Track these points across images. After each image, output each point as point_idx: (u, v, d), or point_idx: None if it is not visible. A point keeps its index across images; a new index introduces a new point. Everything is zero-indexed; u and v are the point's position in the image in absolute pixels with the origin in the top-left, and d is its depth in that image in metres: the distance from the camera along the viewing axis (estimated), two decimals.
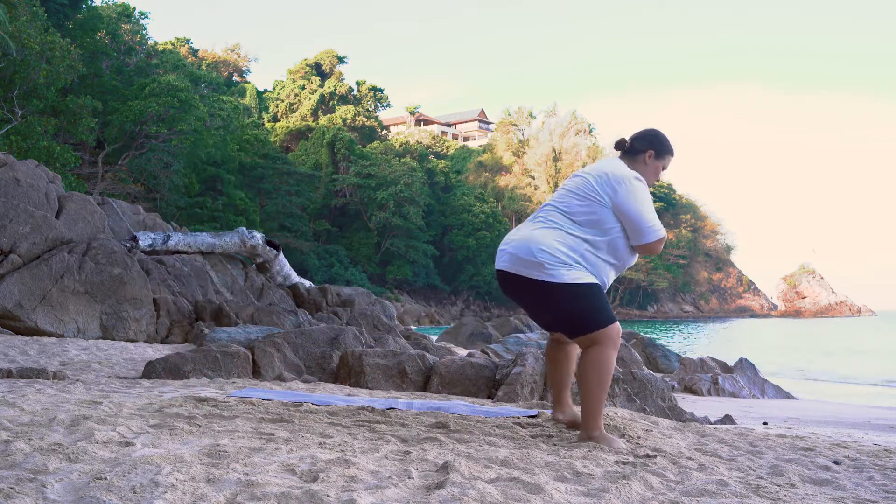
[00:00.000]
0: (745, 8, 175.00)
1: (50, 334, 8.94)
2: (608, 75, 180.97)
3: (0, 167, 10.74)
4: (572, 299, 2.98)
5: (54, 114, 24.08)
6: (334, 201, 54.73)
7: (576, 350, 3.37)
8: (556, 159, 67.89)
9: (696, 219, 74.56)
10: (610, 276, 3.15)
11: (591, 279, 3.02)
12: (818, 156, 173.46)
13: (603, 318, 2.99)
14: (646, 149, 3.22)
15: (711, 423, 5.60)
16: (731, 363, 11.53)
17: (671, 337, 31.54)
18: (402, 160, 57.44)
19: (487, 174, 68.92)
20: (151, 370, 5.39)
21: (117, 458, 2.19)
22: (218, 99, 38.93)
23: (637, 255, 3.16)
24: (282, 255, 15.72)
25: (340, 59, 66.85)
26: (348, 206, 55.26)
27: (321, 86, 63.51)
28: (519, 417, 3.60)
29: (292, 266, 16.72)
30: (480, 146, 74.44)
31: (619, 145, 3.28)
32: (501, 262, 3.12)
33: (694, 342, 28.56)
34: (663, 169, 3.27)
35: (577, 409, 3.50)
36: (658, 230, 3.06)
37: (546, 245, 3.00)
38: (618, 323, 3.05)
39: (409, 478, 2.14)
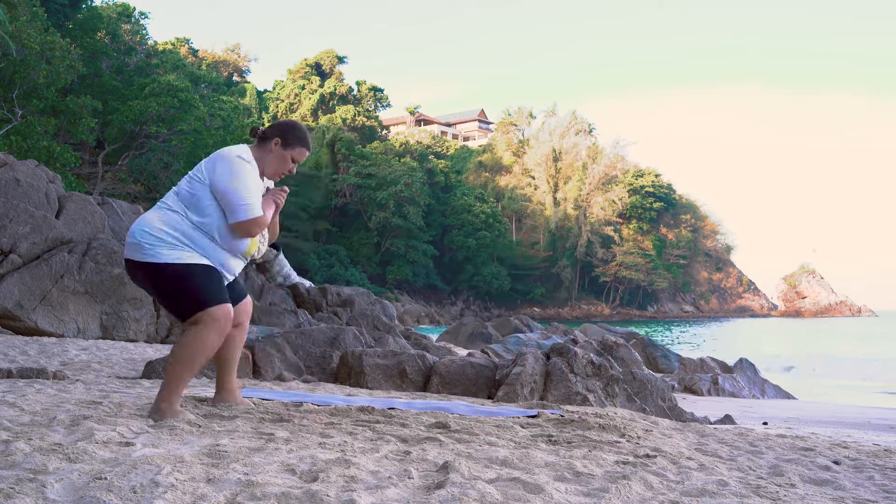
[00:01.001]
0: (745, 8, 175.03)
1: (50, 334, 8.93)
2: (608, 75, 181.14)
3: (0, 167, 10.74)
4: (172, 280, 2.95)
5: (54, 114, 24.08)
6: (334, 201, 54.77)
7: (240, 335, 3.33)
8: (556, 159, 67.91)
9: (696, 219, 74.51)
10: (228, 261, 3.08)
11: (197, 259, 2.98)
12: (818, 156, 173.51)
13: (204, 299, 2.95)
14: (274, 136, 3.21)
15: (711, 423, 5.60)
16: (731, 363, 11.53)
17: (674, 336, 31.54)
18: (402, 160, 57.48)
19: (487, 174, 68.94)
20: (151, 370, 5.39)
21: (117, 458, 2.19)
22: (218, 99, 38.89)
23: (246, 239, 3.09)
24: (282, 255, 15.72)
25: (340, 59, 66.89)
26: (348, 206, 55.29)
27: (321, 86, 63.56)
28: (519, 417, 3.60)
29: (292, 266, 16.73)
30: (480, 146, 74.45)
31: (253, 132, 3.29)
32: (124, 250, 3.12)
33: (693, 342, 28.55)
34: (294, 161, 3.24)
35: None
36: (249, 208, 2.99)
37: (147, 225, 3.00)
38: (227, 306, 3.00)
39: (409, 478, 2.14)
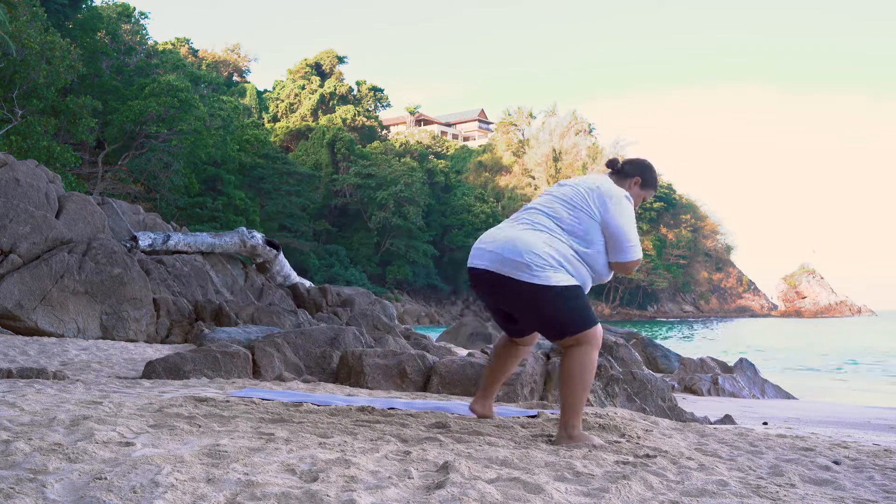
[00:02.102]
0: (745, 8, 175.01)
1: (50, 334, 8.93)
2: (608, 75, 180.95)
3: (0, 167, 10.74)
4: (559, 301, 3.02)
5: (54, 114, 24.08)
6: (334, 201, 54.73)
7: (525, 353, 3.47)
8: (556, 159, 67.90)
9: (696, 219, 74.54)
10: (588, 287, 3.20)
11: (575, 281, 3.08)
12: (818, 156, 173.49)
13: (588, 320, 3.05)
14: (635, 174, 3.30)
15: (711, 423, 5.60)
16: (731, 363, 11.53)
17: (676, 334, 31.55)
18: (402, 160, 57.44)
19: (487, 174, 68.92)
20: (151, 370, 5.38)
21: (117, 458, 2.19)
22: (218, 99, 38.93)
23: (612, 273, 3.21)
24: (282, 255, 15.71)
25: (340, 59, 66.84)
26: (348, 206, 55.25)
27: (321, 86, 63.51)
28: (519, 417, 3.61)
29: (292, 266, 16.72)
30: (480, 146, 74.43)
31: (612, 164, 3.35)
32: (482, 261, 3.11)
33: (694, 340, 28.55)
34: (643, 201, 3.34)
35: (495, 408, 3.62)
36: (637, 251, 3.14)
37: (534, 246, 3.02)
38: (600, 326, 3.12)
39: (409, 478, 2.14)
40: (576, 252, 3.08)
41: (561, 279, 3.02)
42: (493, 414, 3.53)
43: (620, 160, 3.37)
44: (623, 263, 3.13)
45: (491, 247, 3.10)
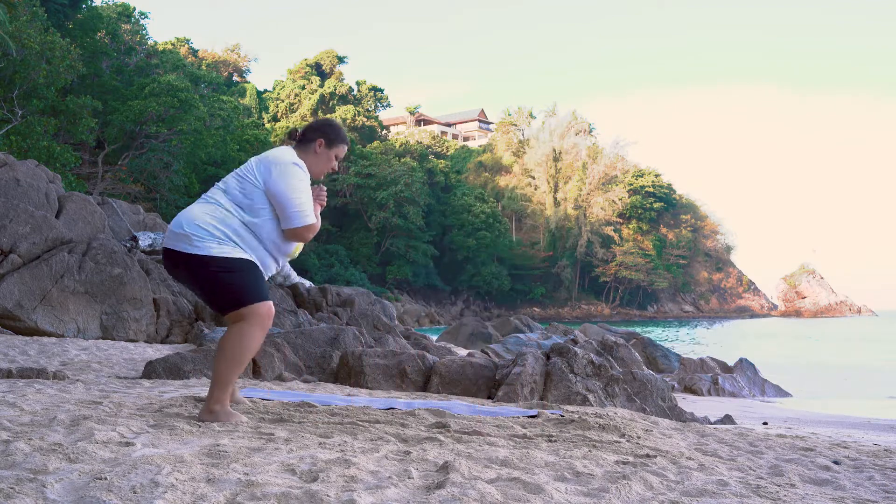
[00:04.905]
0: (746, 8, 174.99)
1: (50, 334, 8.93)
2: (608, 75, 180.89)
3: (0, 167, 10.74)
4: (219, 273, 2.98)
5: (54, 114, 24.08)
6: (334, 201, 54.72)
7: None
8: (556, 159, 67.90)
9: (696, 219, 74.52)
10: (269, 261, 3.12)
11: (243, 255, 3.02)
12: (819, 155, 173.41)
13: (251, 295, 2.99)
14: (316, 138, 3.26)
15: (711, 423, 5.60)
16: (731, 363, 11.53)
17: (675, 335, 31.54)
18: (402, 160, 57.47)
19: (487, 174, 68.93)
20: (151, 370, 5.38)
21: (117, 458, 2.19)
22: (218, 99, 38.91)
23: (294, 242, 3.14)
24: None
25: (340, 59, 66.84)
26: (348, 206, 55.27)
27: (321, 86, 63.51)
28: (519, 417, 3.61)
29: (292, 266, 16.72)
30: (480, 146, 74.45)
31: (292, 135, 3.33)
32: (165, 241, 3.13)
33: (693, 340, 28.54)
34: (337, 158, 3.29)
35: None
36: (303, 216, 3.05)
37: (197, 219, 3.01)
38: (269, 303, 3.03)
39: (409, 478, 2.14)
40: (244, 223, 3.04)
41: (225, 251, 2.98)
42: (237, 394, 3.41)
43: (299, 130, 3.33)
44: (292, 230, 3.06)
45: (170, 226, 3.12)
